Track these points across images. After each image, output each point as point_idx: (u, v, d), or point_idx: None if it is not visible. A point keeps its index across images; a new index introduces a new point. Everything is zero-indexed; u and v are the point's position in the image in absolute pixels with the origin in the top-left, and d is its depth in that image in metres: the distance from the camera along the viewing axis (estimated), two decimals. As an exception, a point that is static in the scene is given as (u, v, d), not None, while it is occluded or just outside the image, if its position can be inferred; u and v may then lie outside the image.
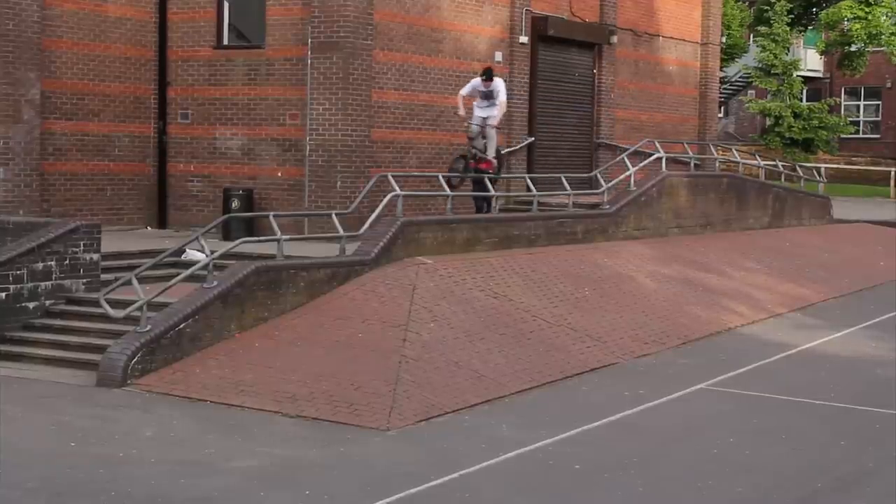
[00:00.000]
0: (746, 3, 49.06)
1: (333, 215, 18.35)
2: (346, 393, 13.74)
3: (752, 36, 49.44)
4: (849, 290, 23.80)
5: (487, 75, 21.32)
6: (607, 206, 23.56)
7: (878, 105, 57.49)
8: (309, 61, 21.58)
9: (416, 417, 13.25)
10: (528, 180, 22.99)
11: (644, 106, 30.51)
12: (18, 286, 16.09)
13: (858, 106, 57.93)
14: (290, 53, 21.96)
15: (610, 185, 24.15)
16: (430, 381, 14.35)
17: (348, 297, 16.75)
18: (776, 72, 45.51)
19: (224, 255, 16.35)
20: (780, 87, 45.67)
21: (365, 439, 12.42)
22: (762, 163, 31.53)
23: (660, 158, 25.79)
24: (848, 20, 46.44)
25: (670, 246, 23.87)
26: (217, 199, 22.36)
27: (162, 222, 23.20)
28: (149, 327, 14.70)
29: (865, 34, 45.74)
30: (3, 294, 15.91)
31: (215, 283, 15.61)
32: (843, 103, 56.43)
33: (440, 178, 20.84)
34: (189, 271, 15.89)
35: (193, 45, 22.99)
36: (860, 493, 11.10)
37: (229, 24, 23.02)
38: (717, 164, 29.63)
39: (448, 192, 20.37)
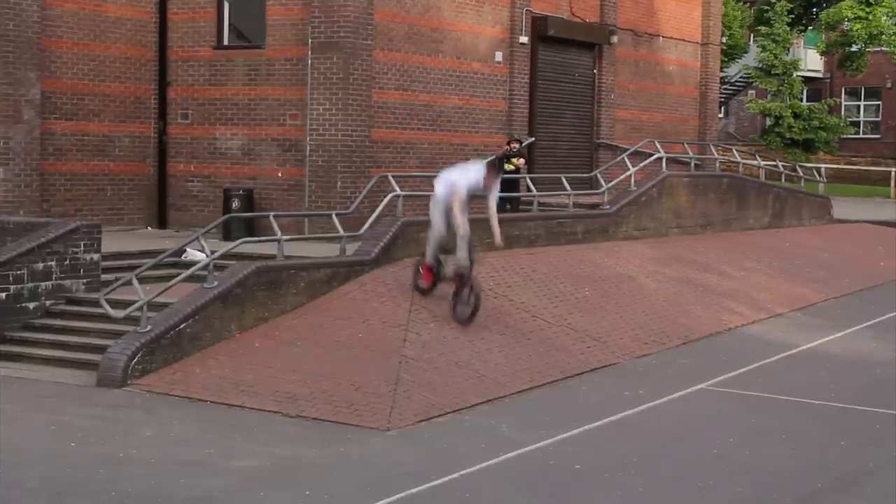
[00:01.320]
0: (747, 4, 49.06)
1: (334, 215, 18.35)
2: (346, 393, 13.74)
3: (752, 36, 49.44)
4: (849, 290, 23.79)
5: (502, 164, 16.47)
6: (607, 207, 23.56)
7: (878, 105, 57.47)
8: (309, 61, 21.58)
9: (416, 417, 13.25)
10: (528, 180, 23.00)
11: (644, 106, 30.51)
12: (19, 286, 16.09)
13: (858, 106, 57.92)
14: (290, 53, 21.97)
15: (610, 185, 24.15)
16: (430, 381, 14.35)
17: (348, 297, 16.75)
18: (776, 72, 45.51)
19: (224, 256, 16.36)
20: (781, 88, 45.67)
21: (365, 439, 12.41)
22: (762, 163, 31.55)
23: (660, 158, 25.80)
24: (848, 20, 46.42)
25: (670, 246, 23.87)
26: (217, 200, 22.36)
27: (162, 222, 23.21)
28: (149, 327, 14.70)
29: (866, 34, 45.73)
30: (4, 294, 15.91)
31: (215, 283, 15.61)
32: (843, 103, 56.42)
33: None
34: (189, 271, 15.90)
35: (193, 45, 23.00)
36: (860, 493, 11.10)
37: (229, 24, 23.03)
38: (718, 165, 29.64)
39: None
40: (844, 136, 51.71)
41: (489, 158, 16.23)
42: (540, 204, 22.62)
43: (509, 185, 22.93)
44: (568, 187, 22.92)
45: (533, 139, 26.19)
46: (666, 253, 23.02)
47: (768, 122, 47.21)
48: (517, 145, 23.55)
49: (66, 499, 10.19)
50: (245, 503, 10.30)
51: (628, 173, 24.12)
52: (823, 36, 51.58)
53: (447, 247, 16.00)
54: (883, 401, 14.72)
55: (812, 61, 56.33)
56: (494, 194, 15.98)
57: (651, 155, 26.15)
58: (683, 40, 31.95)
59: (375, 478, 10.99)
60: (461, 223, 15.62)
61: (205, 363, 14.76)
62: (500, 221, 16.33)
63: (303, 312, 16.34)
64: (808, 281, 23.81)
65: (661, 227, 24.75)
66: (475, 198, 16.15)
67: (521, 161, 23.42)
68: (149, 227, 23.02)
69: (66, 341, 15.73)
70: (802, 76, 49.86)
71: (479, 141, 24.70)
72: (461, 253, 15.72)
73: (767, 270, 23.87)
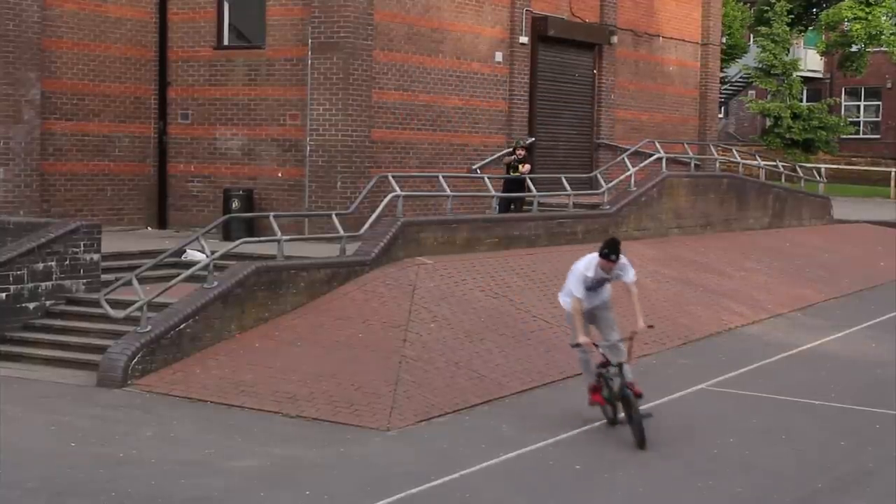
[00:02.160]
0: (747, 4, 49.05)
1: (334, 216, 18.36)
2: (346, 393, 13.74)
3: (752, 36, 49.42)
4: (849, 290, 23.80)
5: (613, 250, 12.67)
6: (607, 207, 23.56)
7: (878, 105, 57.45)
8: (309, 61, 21.58)
9: (416, 417, 13.25)
10: (528, 180, 23.00)
11: (644, 106, 30.51)
12: (19, 286, 16.09)
13: (858, 106, 57.90)
14: (290, 54, 21.97)
15: (610, 185, 24.16)
16: (430, 381, 14.35)
17: (348, 298, 16.75)
18: (776, 72, 45.49)
19: (224, 256, 16.36)
20: (780, 88, 45.67)
21: (365, 439, 12.41)
22: (762, 163, 31.56)
23: (660, 159, 25.80)
24: (848, 20, 46.40)
25: (671, 246, 23.87)
26: (217, 200, 22.37)
27: (162, 222, 23.21)
28: (149, 327, 14.70)
29: (866, 34, 45.70)
30: (4, 294, 15.91)
31: (215, 283, 15.61)
32: (843, 104, 56.39)
33: (440, 178, 20.87)
34: (189, 272, 15.90)
35: (193, 45, 23.00)
36: (860, 493, 11.10)
37: (229, 25, 23.03)
38: (718, 165, 29.65)
39: (448, 192, 20.39)
40: (844, 137, 51.67)
41: (601, 248, 12.79)
42: (540, 204, 22.63)
43: (516, 187, 23.02)
44: (568, 187, 22.92)
45: (533, 139, 26.18)
46: (666, 253, 23.02)
47: (768, 122, 47.19)
48: (523, 152, 23.56)
49: (66, 499, 10.19)
50: (245, 503, 10.30)
51: (628, 173, 24.12)
52: (823, 36, 51.54)
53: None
54: (883, 401, 14.72)
55: (812, 61, 56.30)
56: (629, 274, 12.87)
57: (651, 155, 26.15)
58: (683, 40, 31.95)
59: (375, 478, 10.99)
60: (590, 346, 12.81)
61: (205, 363, 14.76)
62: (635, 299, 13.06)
63: (303, 312, 16.34)
64: (808, 281, 23.81)
65: (661, 228, 24.75)
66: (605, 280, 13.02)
67: (527, 167, 23.48)
68: (149, 228, 23.02)
69: (66, 341, 15.73)
70: (802, 76, 49.84)
71: (479, 141, 24.70)
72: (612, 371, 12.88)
73: (767, 271, 23.87)
